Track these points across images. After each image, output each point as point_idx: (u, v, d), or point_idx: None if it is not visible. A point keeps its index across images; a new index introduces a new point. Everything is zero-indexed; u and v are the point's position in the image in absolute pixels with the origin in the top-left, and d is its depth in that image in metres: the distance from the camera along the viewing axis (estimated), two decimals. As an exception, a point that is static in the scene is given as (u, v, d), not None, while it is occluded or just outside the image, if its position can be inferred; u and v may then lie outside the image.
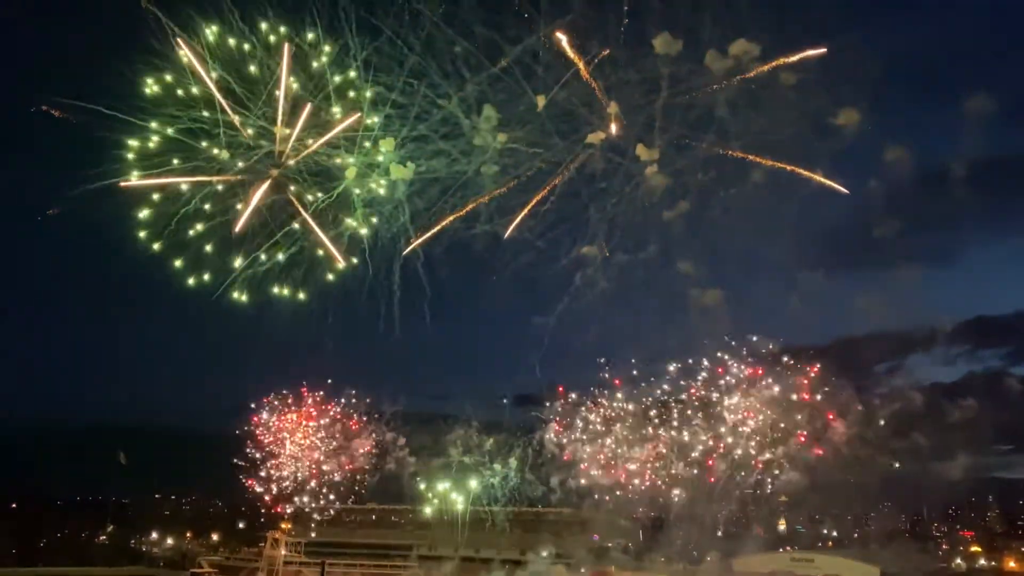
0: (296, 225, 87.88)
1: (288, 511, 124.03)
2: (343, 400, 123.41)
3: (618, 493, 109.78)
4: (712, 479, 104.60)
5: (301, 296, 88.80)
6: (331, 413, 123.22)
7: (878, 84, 78.96)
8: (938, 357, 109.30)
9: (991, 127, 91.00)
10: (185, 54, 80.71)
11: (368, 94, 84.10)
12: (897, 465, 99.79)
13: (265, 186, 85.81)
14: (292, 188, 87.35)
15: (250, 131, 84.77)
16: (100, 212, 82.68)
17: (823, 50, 77.02)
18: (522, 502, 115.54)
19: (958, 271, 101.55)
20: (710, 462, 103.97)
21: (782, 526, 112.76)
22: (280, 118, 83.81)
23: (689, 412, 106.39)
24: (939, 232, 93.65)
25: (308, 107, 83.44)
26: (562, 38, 79.95)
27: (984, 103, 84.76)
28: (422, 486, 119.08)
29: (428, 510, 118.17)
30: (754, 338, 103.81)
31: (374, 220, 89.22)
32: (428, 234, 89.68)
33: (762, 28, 77.92)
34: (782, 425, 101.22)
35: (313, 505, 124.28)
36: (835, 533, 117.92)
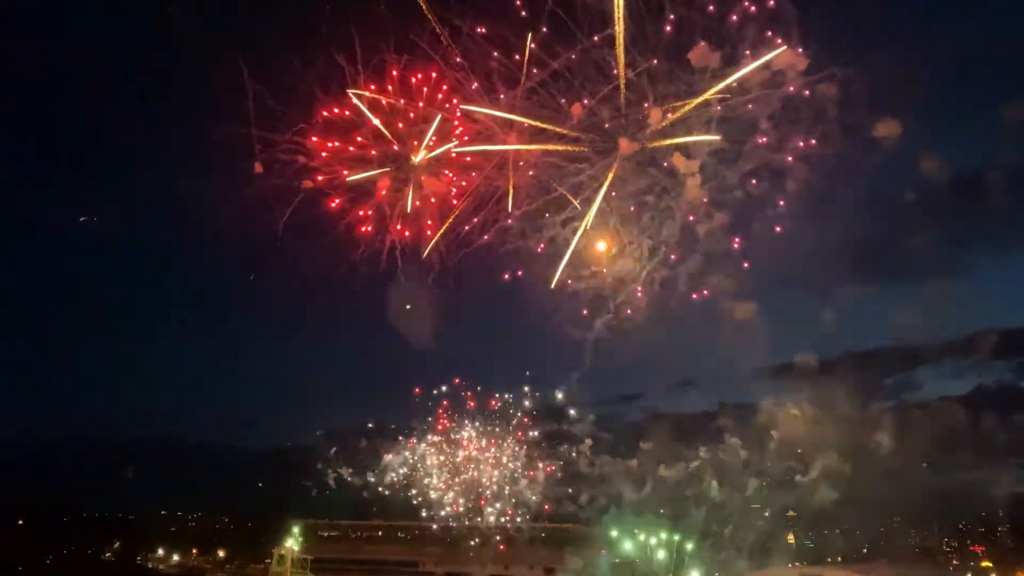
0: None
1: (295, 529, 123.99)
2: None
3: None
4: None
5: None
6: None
7: (905, 96, 79.01)
8: (948, 369, 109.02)
9: (1003, 139, 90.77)
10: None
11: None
12: (905, 478, 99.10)
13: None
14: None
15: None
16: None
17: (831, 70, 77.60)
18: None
19: (969, 283, 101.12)
20: None
21: (791, 541, 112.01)
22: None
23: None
24: (949, 244, 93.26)
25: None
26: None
27: (992, 114, 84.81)
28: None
29: (435, 525, 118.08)
30: None
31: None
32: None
33: (799, 41, 77.81)
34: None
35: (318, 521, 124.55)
36: (845, 548, 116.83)
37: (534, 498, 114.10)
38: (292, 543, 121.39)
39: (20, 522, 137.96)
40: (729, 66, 79.03)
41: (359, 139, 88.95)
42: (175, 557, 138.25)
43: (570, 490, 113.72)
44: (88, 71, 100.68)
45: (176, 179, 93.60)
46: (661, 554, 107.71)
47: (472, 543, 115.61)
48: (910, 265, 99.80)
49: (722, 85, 78.94)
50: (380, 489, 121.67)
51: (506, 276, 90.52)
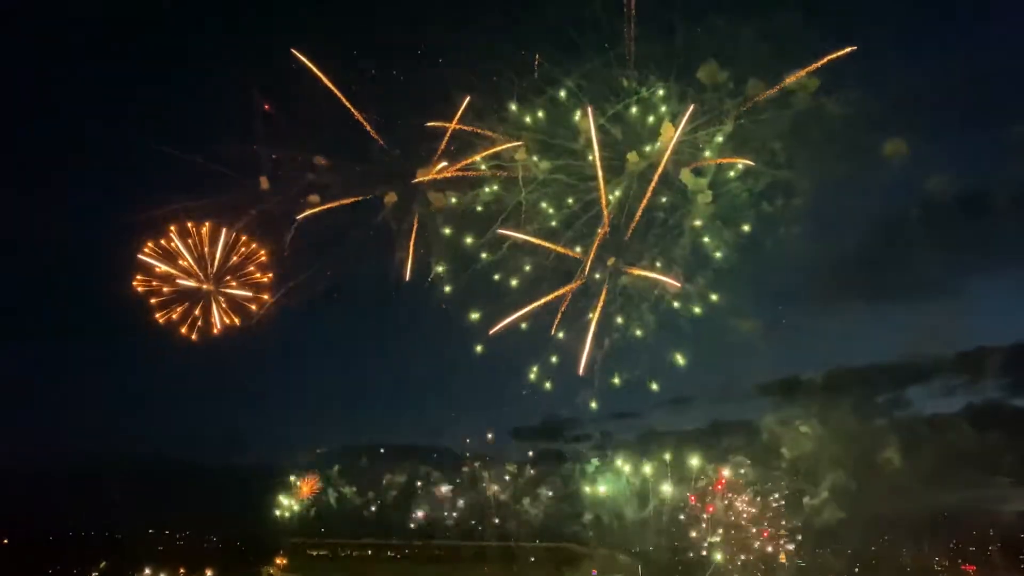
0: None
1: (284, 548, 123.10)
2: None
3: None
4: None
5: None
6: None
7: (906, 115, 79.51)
8: (937, 388, 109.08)
9: (990, 156, 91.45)
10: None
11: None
12: (897, 497, 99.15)
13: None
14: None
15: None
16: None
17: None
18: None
19: (957, 301, 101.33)
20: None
21: (783, 560, 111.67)
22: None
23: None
24: (938, 262, 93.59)
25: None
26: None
27: (985, 134, 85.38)
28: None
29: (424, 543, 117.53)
30: None
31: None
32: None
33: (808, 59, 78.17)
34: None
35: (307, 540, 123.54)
36: (836, 567, 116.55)
37: (537, 514, 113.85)
38: (280, 561, 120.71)
39: (5, 541, 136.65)
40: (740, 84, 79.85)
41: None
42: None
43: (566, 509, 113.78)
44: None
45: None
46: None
47: (461, 563, 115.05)
48: (900, 283, 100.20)
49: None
50: (373, 509, 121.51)
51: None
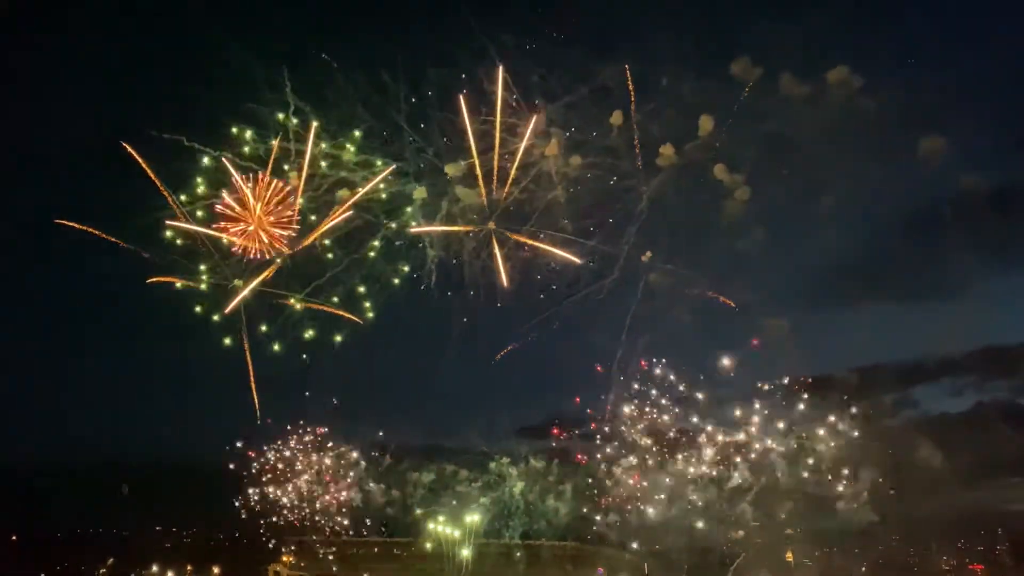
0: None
1: (292, 546, 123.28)
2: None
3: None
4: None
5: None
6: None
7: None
8: (946, 387, 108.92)
9: (998, 155, 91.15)
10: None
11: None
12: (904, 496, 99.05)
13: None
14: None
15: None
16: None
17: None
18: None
19: (967, 301, 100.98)
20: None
21: (789, 558, 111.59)
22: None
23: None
24: (947, 262, 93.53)
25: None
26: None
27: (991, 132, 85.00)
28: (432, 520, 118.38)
29: (428, 544, 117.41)
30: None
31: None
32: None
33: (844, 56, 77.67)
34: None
35: (315, 537, 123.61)
36: (844, 567, 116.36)
37: (563, 512, 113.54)
38: (287, 559, 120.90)
39: (13, 538, 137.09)
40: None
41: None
42: (169, 574, 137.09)
43: (585, 510, 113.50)
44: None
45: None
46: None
47: (467, 564, 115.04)
48: (909, 282, 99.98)
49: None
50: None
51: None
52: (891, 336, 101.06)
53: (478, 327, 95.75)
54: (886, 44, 79.25)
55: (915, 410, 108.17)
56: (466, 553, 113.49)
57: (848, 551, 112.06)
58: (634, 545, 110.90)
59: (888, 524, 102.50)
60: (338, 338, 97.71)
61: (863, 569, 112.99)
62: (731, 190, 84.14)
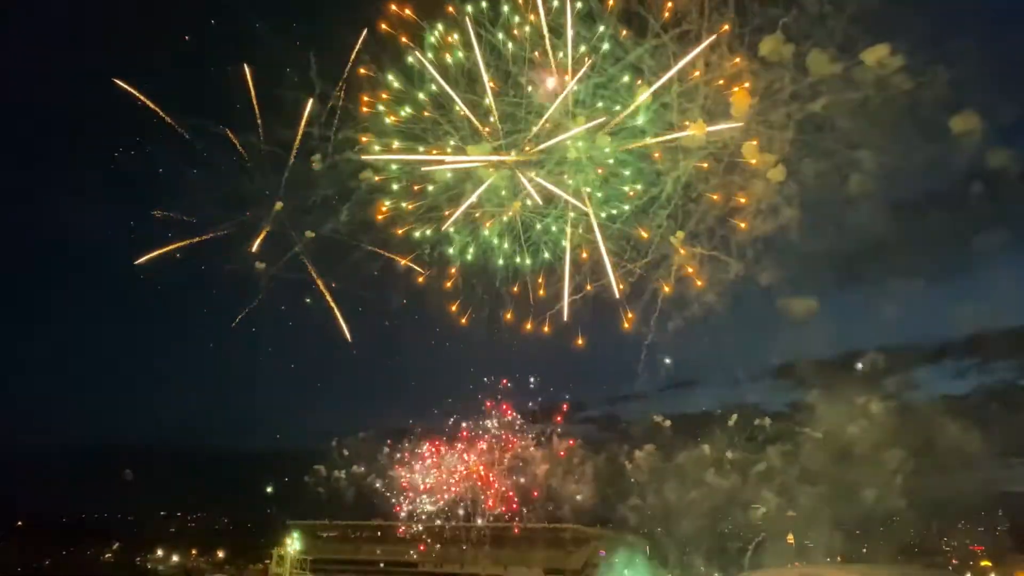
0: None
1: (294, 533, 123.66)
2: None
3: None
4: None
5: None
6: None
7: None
8: (948, 369, 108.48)
9: (1005, 137, 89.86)
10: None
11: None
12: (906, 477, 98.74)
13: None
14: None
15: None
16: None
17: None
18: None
19: (969, 282, 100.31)
20: None
21: (790, 540, 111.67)
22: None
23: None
24: (950, 244, 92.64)
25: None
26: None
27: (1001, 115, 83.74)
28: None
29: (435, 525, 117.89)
30: None
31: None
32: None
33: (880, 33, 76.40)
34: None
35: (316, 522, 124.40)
36: (844, 547, 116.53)
37: (579, 497, 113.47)
38: (291, 543, 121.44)
39: (19, 523, 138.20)
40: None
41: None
42: (174, 558, 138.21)
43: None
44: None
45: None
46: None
47: (469, 543, 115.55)
48: (911, 263, 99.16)
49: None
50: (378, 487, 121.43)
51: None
52: (892, 318, 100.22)
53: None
54: (921, 22, 77.43)
55: (916, 392, 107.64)
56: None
57: (848, 532, 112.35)
58: (658, 529, 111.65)
59: (889, 505, 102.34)
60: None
61: (864, 551, 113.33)
62: (762, 171, 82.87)
